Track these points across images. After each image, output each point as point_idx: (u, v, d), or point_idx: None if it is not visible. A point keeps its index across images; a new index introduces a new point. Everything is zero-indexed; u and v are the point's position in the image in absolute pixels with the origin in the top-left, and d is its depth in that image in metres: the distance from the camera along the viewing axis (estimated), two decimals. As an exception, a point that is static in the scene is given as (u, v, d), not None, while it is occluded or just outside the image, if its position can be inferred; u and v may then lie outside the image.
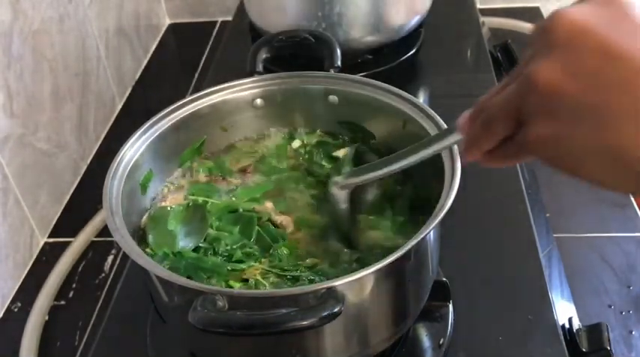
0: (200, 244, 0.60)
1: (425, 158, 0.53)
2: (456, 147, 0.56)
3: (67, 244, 0.91)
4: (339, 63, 0.71)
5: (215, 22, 1.42)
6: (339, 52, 0.72)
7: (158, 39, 1.38)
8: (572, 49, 0.32)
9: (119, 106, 1.19)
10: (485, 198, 0.77)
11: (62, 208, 0.98)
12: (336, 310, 0.44)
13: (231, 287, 0.55)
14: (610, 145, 0.32)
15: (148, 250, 0.59)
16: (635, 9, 0.32)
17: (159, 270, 0.50)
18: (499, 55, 1.08)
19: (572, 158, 0.34)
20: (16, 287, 0.87)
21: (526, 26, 1.27)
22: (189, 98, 0.67)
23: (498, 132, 0.38)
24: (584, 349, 0.62)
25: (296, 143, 0.71)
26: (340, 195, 0.62)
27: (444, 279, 0.66)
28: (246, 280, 0.56)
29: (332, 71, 0.70)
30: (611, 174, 0.33)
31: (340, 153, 0.68)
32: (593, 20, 0.32)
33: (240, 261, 0.58)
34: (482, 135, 0.39)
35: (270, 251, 0.59)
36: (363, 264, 0.56)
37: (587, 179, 0.35)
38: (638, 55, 0.31)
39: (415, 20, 1.01)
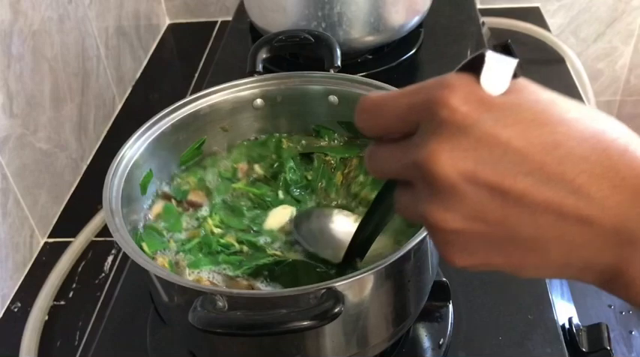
0: None
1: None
2: None
3: (67, 244, 0.91)
4: (339, 63, 0.71)
5: (215, 22, 1.42)
6: (339, 52, 0.72)
7: (158, 39, 1.38)
8: (468, 197, 0.31)
9: (119, 106, 1.19)
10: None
11: (62, 208, 0.98)
12: (336, 310, 0.44)
13: None
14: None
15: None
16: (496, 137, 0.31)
17: (159, 270, 0.50)
18: (499, 55, 1.08)
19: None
20: (16, 287, 0.87)
21: (526, 26, 1.27)
22: (189, 98, 0.67)
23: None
24: (584, 349, 0.62)
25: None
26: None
27: (444, 279, 0.66)
28: None
29: (332, 71, 0.70)
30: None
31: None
32: (474, 167, 0.31)
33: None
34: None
35: None
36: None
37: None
38: (527, 193, 0.31)
39: (415, 20, 1.01)
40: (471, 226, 0.32)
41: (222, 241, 0.61)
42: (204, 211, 0.65)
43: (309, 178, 0.67)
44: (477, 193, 0.31)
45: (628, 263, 0.31)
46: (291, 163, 0.68)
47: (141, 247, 0.60)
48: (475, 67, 0.32)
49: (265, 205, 0.65)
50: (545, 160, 0.30)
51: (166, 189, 0.67)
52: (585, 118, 0.31)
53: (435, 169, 0.31)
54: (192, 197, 0.66)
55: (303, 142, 0.71)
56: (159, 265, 0.59)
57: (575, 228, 0.31)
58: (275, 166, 0.69)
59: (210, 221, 0.63)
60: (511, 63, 0.32)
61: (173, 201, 0.66)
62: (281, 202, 0.65)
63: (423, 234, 0.50)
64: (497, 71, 0.32)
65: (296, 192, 0.66)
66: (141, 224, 0.63)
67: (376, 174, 0.37)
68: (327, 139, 0.71)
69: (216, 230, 0.62)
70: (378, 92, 0.36)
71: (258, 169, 0.69)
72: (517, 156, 0.31)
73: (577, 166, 0.30)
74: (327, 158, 0.69)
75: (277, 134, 0.72)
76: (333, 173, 0.67)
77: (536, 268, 0.33)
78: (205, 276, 0.58)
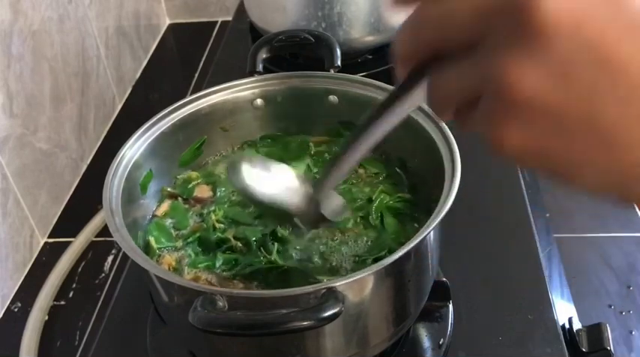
0: None
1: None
2: (455, 147, 0.56)
3: (67, 244, 0.91)
4: (339, 63, 0.71)
5: (215, 22, 1.42)
6: (339, 52, 0.72)
7: (158, 39, 1.38)
8: (561, 51, 0.25)
9: (119, 106, 1.19)
10: (486, 198, 0.77)
11: (62, 208, 0.98)
12: (336, 310, 0.44)
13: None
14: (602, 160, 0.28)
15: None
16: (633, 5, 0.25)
17: (159, 270, 0.50)
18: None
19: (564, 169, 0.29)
20: (16, 287, 0.87)
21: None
22: (189, 98, 0.67)
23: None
24: (584, 349, 0.62)
25: None
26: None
27: (444, 279, 0.66)
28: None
29: (332, 71, 0.70)
30: (611, 186, 0.28)
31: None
32: (586, 13, 0.25)
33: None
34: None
35: None
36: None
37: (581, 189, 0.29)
38: (630, 65, 0.25)
39: (415, 20, 1.01)
40: (549, 89, 0.26)
41: (220, 236, 0.61)
42: (211, 207, 0.65)
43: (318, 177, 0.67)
44: (572, 50, 0.25)
45: None
46: (308, 161, 0.68)
47: (148, 242, 0.60)
48: None
49: None
50: None
51: (171, 188, 0.67)
52: None
53: (534, 4, 0.25)
54: (198, 193, 0.66)
55: (335, 148, 0.69)
56: (165, 263, 0.59)
57: None
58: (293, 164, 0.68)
59: (213, 216, 0.63)
60: None
61: (179, 199, 0.66)
62: None
63: (423, 234, 0.49)
64: None
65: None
66: (146, 220, 0.64)
67: (449, 93, 0.30)
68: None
69: (219, 225, 0.62)
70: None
71: None
72: (635, 19, 0.25)
73: None
74: (360, 169, 0.67)
75: (299, 136, 0.72)
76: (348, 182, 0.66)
77: (596, 172, 0.28)
78: (204, 276, 0.58)
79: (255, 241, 0.60)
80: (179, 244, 0.61)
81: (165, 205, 0.65)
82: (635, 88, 0.26)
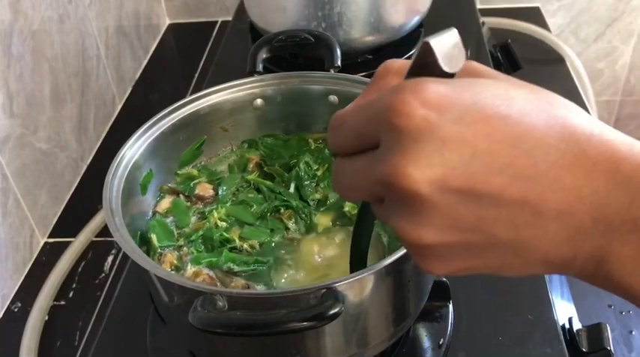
0: None
1: None
2: None
3: (67, 244, 0.91)
4: (339, 63, 0.71)
5: (215, 22, 1.42)
6: (339, 52, 0.72)
7: (158, 39, 1.38)
8: (441, 207, 0.29)
9: (119, 106, 1.19)
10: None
11: (62, 208, 0.98)
12: (336, 310, 0.44)
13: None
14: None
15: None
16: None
17: (159, 270, 0.50)
18: (499, 55, 1.08)
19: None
20: (16, 287, 0.87)
21: (526, 26, 1.27)
22: (189, 98, 0.67)
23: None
24: (584, 349, 0.62)
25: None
26: None
27: (444, 279, 0.66)
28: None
29: (332, 71, 0.70)
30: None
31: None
32: (446, 170, 0.29)
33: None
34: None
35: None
36: None
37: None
38: (502, 192, 0.29)
39: (415, 20, 1.01)
40: (447, 238, 0.30)
41: (224, 235, 0.61)
42: (213, 205, 0.65)
43: (318, 173, 0.67)
44: (449, 202, 0.29)
45: (609, 252, 0.30)
46: (307, 158, 0.68)
47: (150, 240, 0.60)
48: (425, 61, 0.31)
49: (273, 197, 0.65)
50: (515, 155, 0.29)
51: (173, 184, 0.67)
52: (545, 104, 0.30)
53: (401, 184, 0.29)
54: (200, 191, 0.66)
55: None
56: (167, 262, 0.59)
57: (554, 224, 0.29)
58: (292, 162, 0.68)
59: (215, 214, 0.63)
60: (454, 35, 0.31)
61: (181, 196, 0.66)
62: (290, 196, 0.65)
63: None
64: (449, 48, 0.30)
65: (306, 187, 0.66)
66: (147, 219, 0.64)
67: (344, 196, 0.35)
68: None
69: (221, 223, 0.62)
70: (346, 108, 0.34)
71: (273, 164, 0.69)
72: (486, 155, 0.29)
73: (548, 157, 0.29)
74: None
75: (297, 134, 0.72)
76: None
77: (516, 268, 0.32)
78: (205, 271, 0.58)
79: (261, 245, 0.61)
80: (181, 242, 0.61)
81: (167, 202, 0.65)
82: (513, 204, 0.29)
